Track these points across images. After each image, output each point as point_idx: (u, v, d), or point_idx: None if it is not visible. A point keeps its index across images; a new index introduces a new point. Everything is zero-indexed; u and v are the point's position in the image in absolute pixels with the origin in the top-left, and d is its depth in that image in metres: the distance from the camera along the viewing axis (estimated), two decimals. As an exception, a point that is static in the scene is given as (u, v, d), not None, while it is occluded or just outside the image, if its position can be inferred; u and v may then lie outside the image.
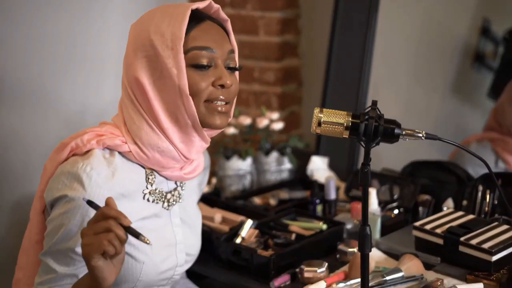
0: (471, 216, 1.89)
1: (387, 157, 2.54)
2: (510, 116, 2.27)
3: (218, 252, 1.89)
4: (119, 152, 1.52)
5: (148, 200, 1.56)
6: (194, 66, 1.48)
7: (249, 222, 1.92)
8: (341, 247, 1.87)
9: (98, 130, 1.53)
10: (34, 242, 1.56)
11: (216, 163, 2.38)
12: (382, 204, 2.10)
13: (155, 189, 1.57)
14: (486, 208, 1.97)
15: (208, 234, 1.94)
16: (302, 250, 1.84)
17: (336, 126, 1.47)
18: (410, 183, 2.13)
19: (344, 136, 1.48)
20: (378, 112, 1.47)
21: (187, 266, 1.69)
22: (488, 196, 1.97)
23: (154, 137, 1.51)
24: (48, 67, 2.30)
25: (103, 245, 1.26)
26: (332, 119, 1.47)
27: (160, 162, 1.54)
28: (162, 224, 1.59)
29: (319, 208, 2.13)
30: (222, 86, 1.51)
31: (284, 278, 1.76)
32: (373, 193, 2.01)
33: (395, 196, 2.13)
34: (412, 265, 1.73)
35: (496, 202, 1.96)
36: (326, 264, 1.76)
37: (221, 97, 1.51)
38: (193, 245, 1.69)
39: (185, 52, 1.48)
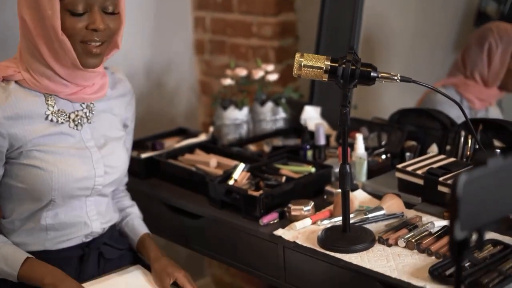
0: (452, 159, 1.99)
1: (382, 106, 2.61)
2: (472, 60, 2.38)
3: (212, 193, 1.99)
4: (16, 82, 1.68)
5: (52, 120, 1.70)
6: (70, 11, 1.60)
7: (241, 166, 2.02)
8: (328, 188, 1.97)
9: None
10: None
11: (214, 113, 2.47)
12: (370, 150, 2.19)
13: (58, 110, 1.72)
14: (468, 152, 2.06)
15: (202, 177, 2.05)
16: (291, 191, 1.94)
17: (316, 70, 1.57)
18: (397, 130, 2.20)
19: (323, 79, 1.58)
20: (356, 57, 1.56)
21: (110, 178, 1.79)
22: (470, 141, 2.06)
23: (40, 66, 1.66)
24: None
25: None
26: (312, 63, 1.57)
27: (51, 88, 1.69)
28: (74, 141, 1.73)
29: (309, 153, 2.23)
30: (95, 30, 1.63)
31: (273, 216, 1.86)
32: (359, 138, 2.09)
33: (383, 143, 2.21)
34: (393, 204, 1.83)
35: (477, 146, 2.05)
36: (312, 203, 1.86)
37: (96, 38, 1.64)
38: (112, 159, 1.80)
39: None
